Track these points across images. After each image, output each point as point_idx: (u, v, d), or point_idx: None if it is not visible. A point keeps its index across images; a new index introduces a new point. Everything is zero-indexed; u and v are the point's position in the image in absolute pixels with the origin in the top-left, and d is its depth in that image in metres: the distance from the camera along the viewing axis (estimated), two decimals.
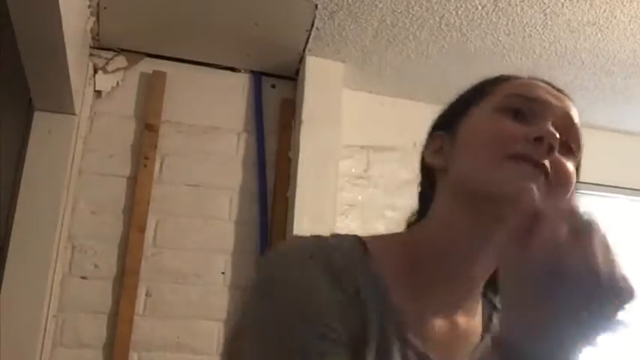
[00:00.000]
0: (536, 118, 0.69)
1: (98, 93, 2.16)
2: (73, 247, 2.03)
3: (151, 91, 2.18)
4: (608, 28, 1.94)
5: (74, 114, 1.99)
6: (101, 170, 2.10)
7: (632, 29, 1.94)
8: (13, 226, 1.87)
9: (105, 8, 1.95)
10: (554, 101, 0.72)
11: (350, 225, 2.29)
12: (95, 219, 2.06)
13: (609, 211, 2.68)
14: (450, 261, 0.69)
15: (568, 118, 0.72)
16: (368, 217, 2.33)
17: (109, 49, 2.18)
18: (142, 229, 2.06)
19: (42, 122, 1.96)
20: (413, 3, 1.86)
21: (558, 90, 0.77)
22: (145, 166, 2.11)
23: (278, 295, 0.63)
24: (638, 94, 2.39)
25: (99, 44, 2.16)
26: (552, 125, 0.68)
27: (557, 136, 0.67)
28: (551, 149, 0.66)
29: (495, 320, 0.76)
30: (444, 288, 0.70)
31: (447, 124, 0.77)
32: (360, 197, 2.34)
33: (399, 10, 1.90)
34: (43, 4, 1.37)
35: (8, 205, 1.92)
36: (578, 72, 2.23)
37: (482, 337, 0.75)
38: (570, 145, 0.71)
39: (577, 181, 0.72)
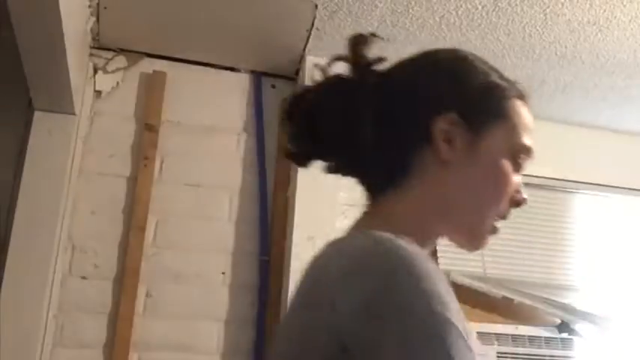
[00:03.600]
0: (520, 169, 0.79)
1: (98, 93, 2.16)
2: (73, 247, 2.03)
3: (151, 91, 2.18)
4: (608, 28, 1.94)
5: (74, 114, 1.99)
6: (101, 170, 2.10)
7: (632, 29, 1.94)
8: (13, 226, 1.87)
9: (105, 8, 1.95)
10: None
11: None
12: (95, 219, 2.06)
13: (609, 211, 2.68)
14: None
15: None
16: None
17: (109, 49, 2.18)
18: (142, 229, 2.06)
19: (42, 122, 1.95)
20: (413, 3, 1.86)
21: None
22: (145, 166, 2.11)
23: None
24: (638, 94, 2.38)
25: (99, 44, 2.16)
26: None
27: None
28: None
29: None
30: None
31: (471, 116, 0.76)
32: (360, 197, 2.33)
33: (399, 10, 1.90)
34: (43, 4, 1.37)
35: (8, 205, 1.92)
36: (578, 72, 2.23)
37: None
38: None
39: None
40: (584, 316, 2.45)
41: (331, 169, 0.85)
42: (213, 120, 2.24)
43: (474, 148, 0.76)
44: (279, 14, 1.96)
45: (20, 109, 1.98)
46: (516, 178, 0.78)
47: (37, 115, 1.95)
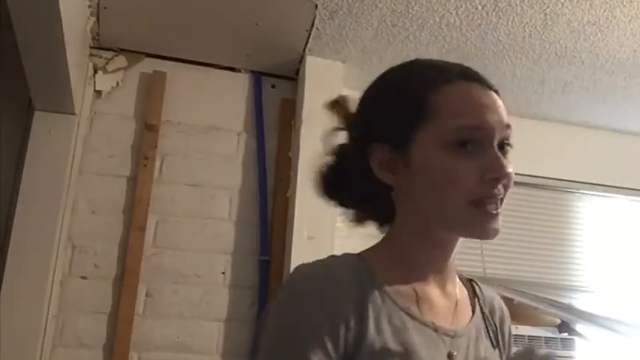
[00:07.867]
0: (483, 145, 0.77)
1: (98, 93, 2.16)
2: (73, 247, 2.03)
3: (151, 91, 2.18)
4: (608, 28, 1.94)
5: (74, 114, 1.99)
6: (101, 170, 2.10)
7: (632, 29, 1.94)
8: (13, 226, 1.87)
9: (105, 8, 1.95)
10: (494, 119, 0.78)
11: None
12: (95, 219, 2.06)
13: (609, 211, 2.68)
14: (419, 259, 0.83)
15: (503, 125, 0.79)
16: None
17: (109, 49, 2.18)
18: (142, 229, 2.06)
19: (42, 122, 1.95)
20: (413, 3, 1.86)
21: (489, 87, 0.81)
22: (145, 166, 2.11)
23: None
24: (638, 94, 2.38)
25: (99, 44, 2.16)
26: (496, 141, 0.77)
27: (508, 170, 0.76)
28: (505, 187, 0.77)
29: (479, 290, 0.92)
30: (424, 272, 0.83)
31: (393, 138, 0.81)
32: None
33: (399, 10, 1.90)
34: (43, 4, 1.37)
35: (8, 205, 1.92)
36: (578, 72, 2.23)
37: (474, 307, 0.88)
38: (505, 143, 0.80)
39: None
40: (584, 316, 2.45)
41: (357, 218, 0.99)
42: (213, 120, 2.24)
43: (408, 161, 0.79)
44: (279, 14, 1.96)
45: (20, 109, 1.98)
46: (486, 157, 0.76)
47: (37, 115, 1.95)
